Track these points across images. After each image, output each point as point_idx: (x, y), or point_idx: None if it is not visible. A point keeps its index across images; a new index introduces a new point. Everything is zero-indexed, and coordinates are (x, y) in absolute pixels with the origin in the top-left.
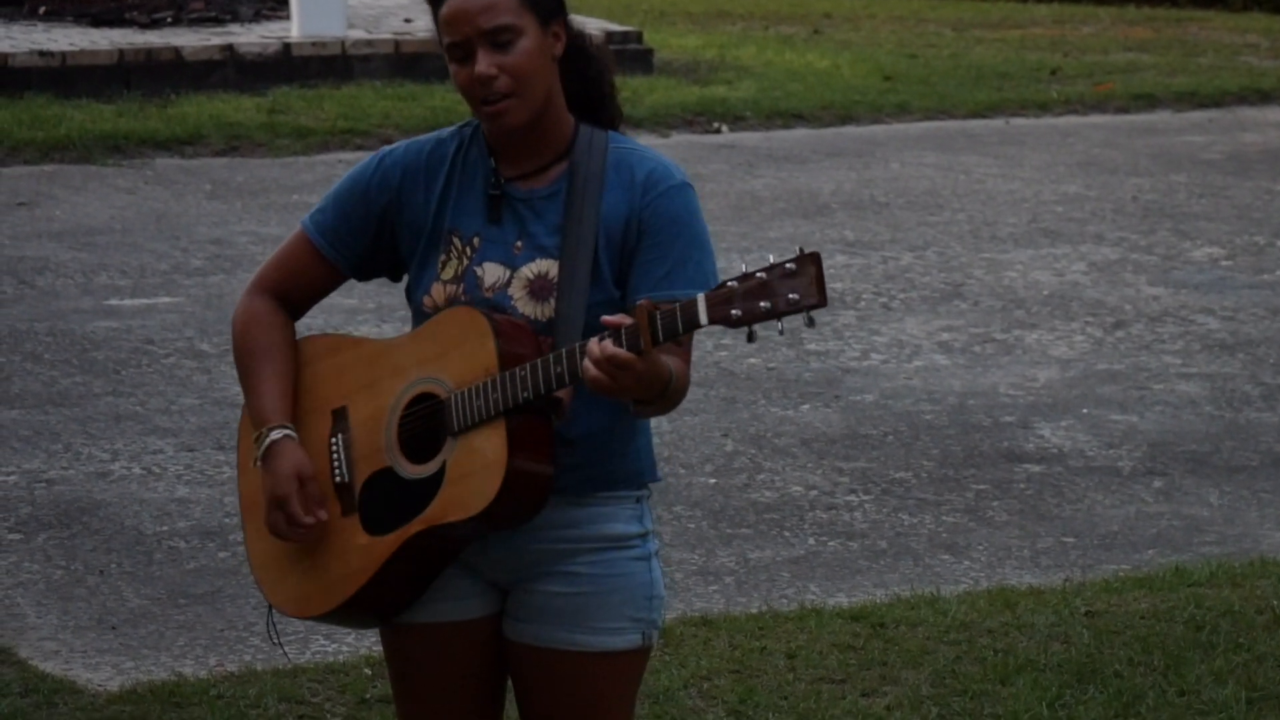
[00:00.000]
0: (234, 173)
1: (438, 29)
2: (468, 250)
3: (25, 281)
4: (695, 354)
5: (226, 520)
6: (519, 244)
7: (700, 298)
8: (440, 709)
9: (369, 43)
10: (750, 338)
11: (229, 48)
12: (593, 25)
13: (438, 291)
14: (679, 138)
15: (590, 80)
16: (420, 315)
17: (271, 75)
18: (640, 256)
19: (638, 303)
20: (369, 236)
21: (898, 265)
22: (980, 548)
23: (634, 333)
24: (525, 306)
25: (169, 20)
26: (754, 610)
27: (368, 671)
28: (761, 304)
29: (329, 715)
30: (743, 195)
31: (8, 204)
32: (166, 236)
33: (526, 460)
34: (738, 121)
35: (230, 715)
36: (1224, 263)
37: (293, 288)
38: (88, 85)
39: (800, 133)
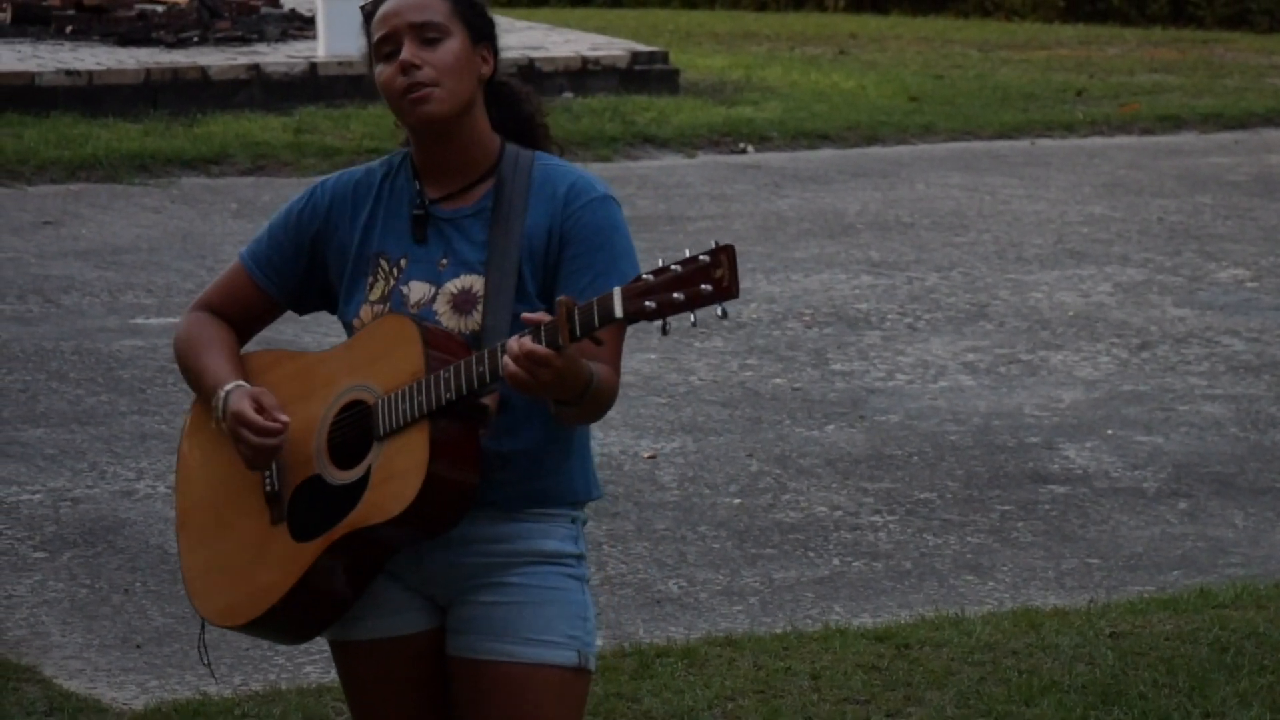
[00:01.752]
0: (260, 192)
1: (369, 38)
2: (394, 271)
3: (51, 300)
4: (721, 375)
5: None
6: (444, 261)
7: (616, 291)
8: None
9: None
10: (664, 330)
11: (255, 67)
12: (618, 46)
13: (365, 313)
14: (704, 158)
15: (524, 118)
16: (350, 335)
17: (298, 95)
18: (563, 268)
19: (557, 299)
20: (301, 265)
21: (923, 286)
22: (1005, 568)
23: (553, 329)
24: (449, 320)
25: (196, 40)
26: (778, 630)
27: None
28: (675, 295)
29: None
30: (768, 216)
31: (34, 223)
32: (192, 255)
33: (448, 464)
34: (763, 142)
35: None
36: (1249, 284)
37: (231, 314)
38: (114, 104)
39: (826, 153)
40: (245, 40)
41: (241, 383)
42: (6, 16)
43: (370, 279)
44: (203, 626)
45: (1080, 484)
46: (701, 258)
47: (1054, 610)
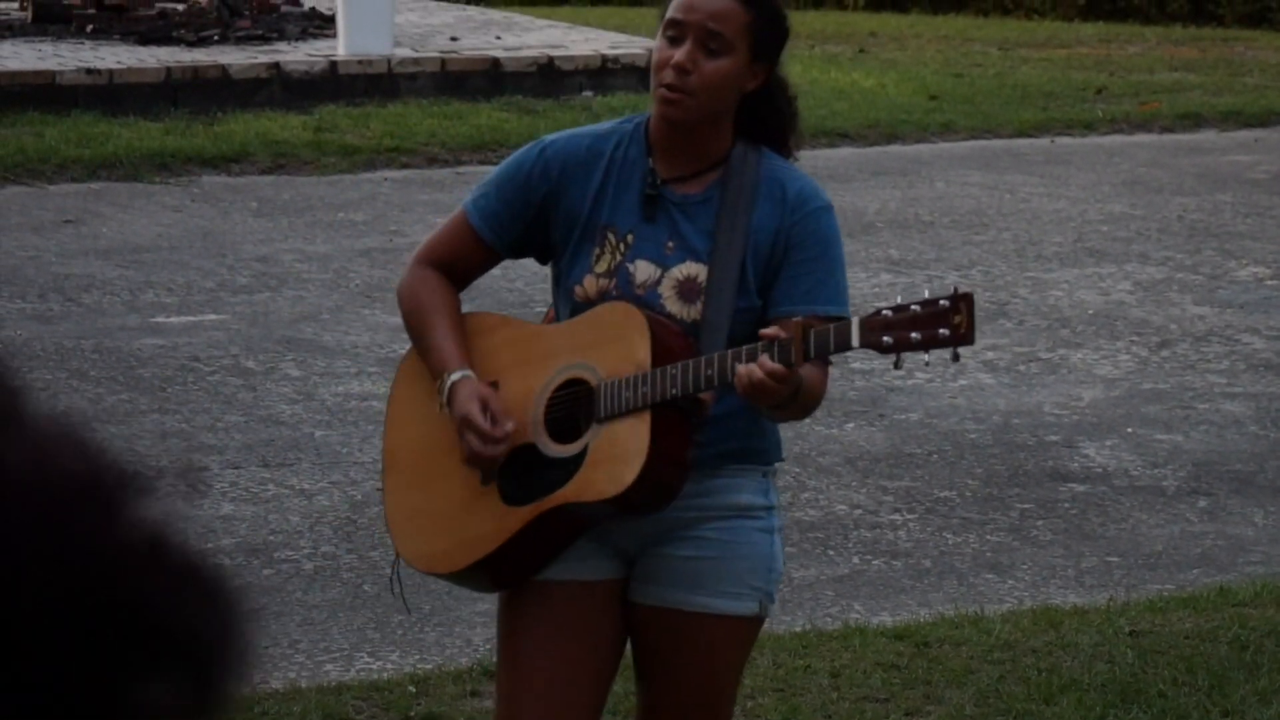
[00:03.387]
0: (280, 191)
1: (666, 3)
2: (621, 246)
3: (72, 299)
4: None
5: (271, 537)
6: (670, 244)
7: (855, 321)
8: (543, 670)
9: (415, 61)
10: (897, 364)
11: (276, 66)
12: (638, 44)
13: (590, 283)
14: None
15: (774, 127)
16: (569, 302)
17: (318, 93)
18: (785, 271)
19: (793, 318)
20: (525, 222)
21: (943, 284)
22: (1024, 567)
23: (787, 347)
24: (673, 306)
25: (216, 38)
26: (798, 629)
27: (412, 689)
28: (913, 335)
29: None
30: None
31: (55, 221)
32: (213, 254)
33: (666, 453)
34: None
35: None
36: (1269, 282)
37: (453, 264)
38: (135, 103)
39: (846, 151)
40: (265, 39)
41: (468, 373)
42: (27, 15)
43: (597, 250)
44: (396, 561)
45: (1100, 482)
46: (942, 302)
47: (1073, 609)
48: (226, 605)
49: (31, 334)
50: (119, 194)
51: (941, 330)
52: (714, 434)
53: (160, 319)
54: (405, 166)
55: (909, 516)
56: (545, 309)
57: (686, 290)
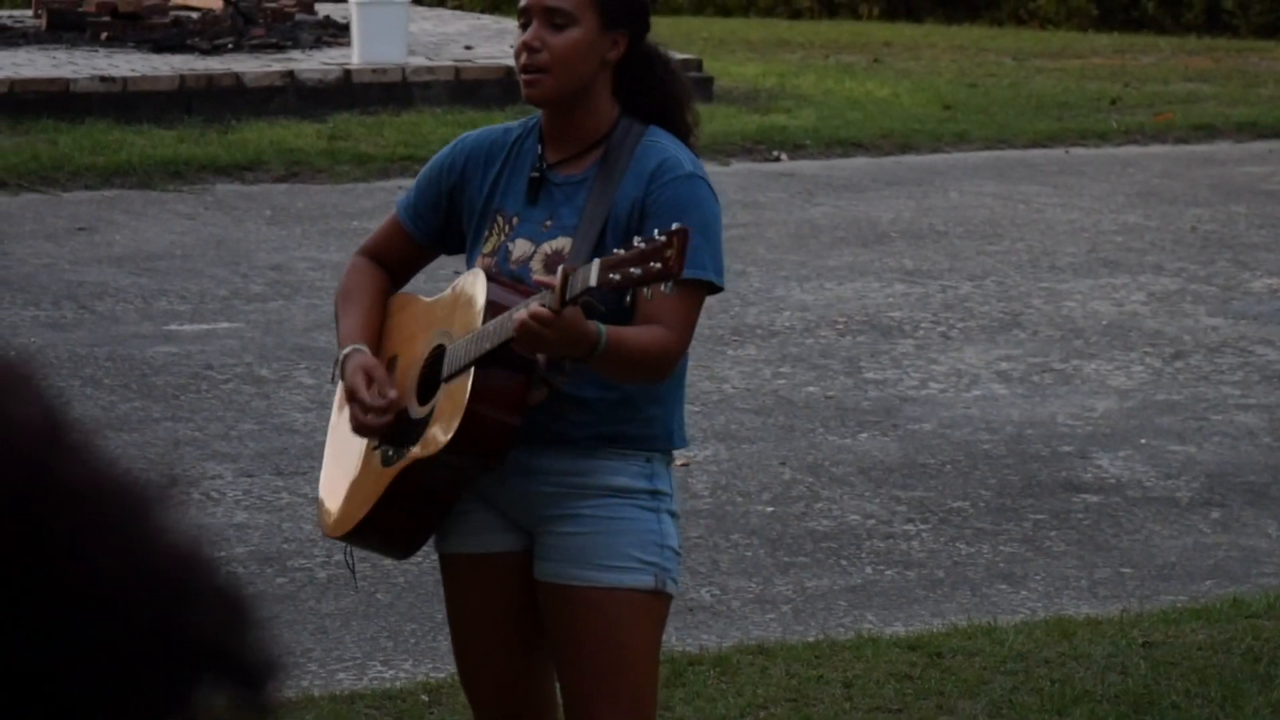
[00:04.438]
0: (294, 199)
1: None
2: (507, 228)
3: (85, 306)
4: (754, 383)
5: (285, 546)
6: (548, 222)
7: (595, 262)
8: (482, 637)
9: (429, 70)
10: (630, 303)
11: (290, 74)
12: None
13: (480, 264)
14: (738, 165)
15: (656, 99)
16: None
17: (332, 102)
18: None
19: (560, 266)
20: (440, 213)
21: (956, 294)
22: (1038, 578)
23: (553, 290)
24: (541, 278)
25: (230, 46)
26: (811, 639)
27: (424, 698)
28: (633, 270)
29: None
30: (802, 224)
31: (69, 229)
32: (226, 262)
33: (487, 406)
34: (797, 150)
35: None
36: None
37: (384, 255)
38: (149, 111)
39: (859, 161)
40: (279, 47)
41: (360, 347)
42: (42, 23)
43: (487, 233)
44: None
45: (1113, 493)
46: (659, 236)
47: (1087, 619)
48: (257, 618)
49: (45, 341)
50: (133, 202)
51: (654, 263)
52: (587, 418)
53: (174, 327)
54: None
55: (922, 527)
56: None
57: (552, 262)
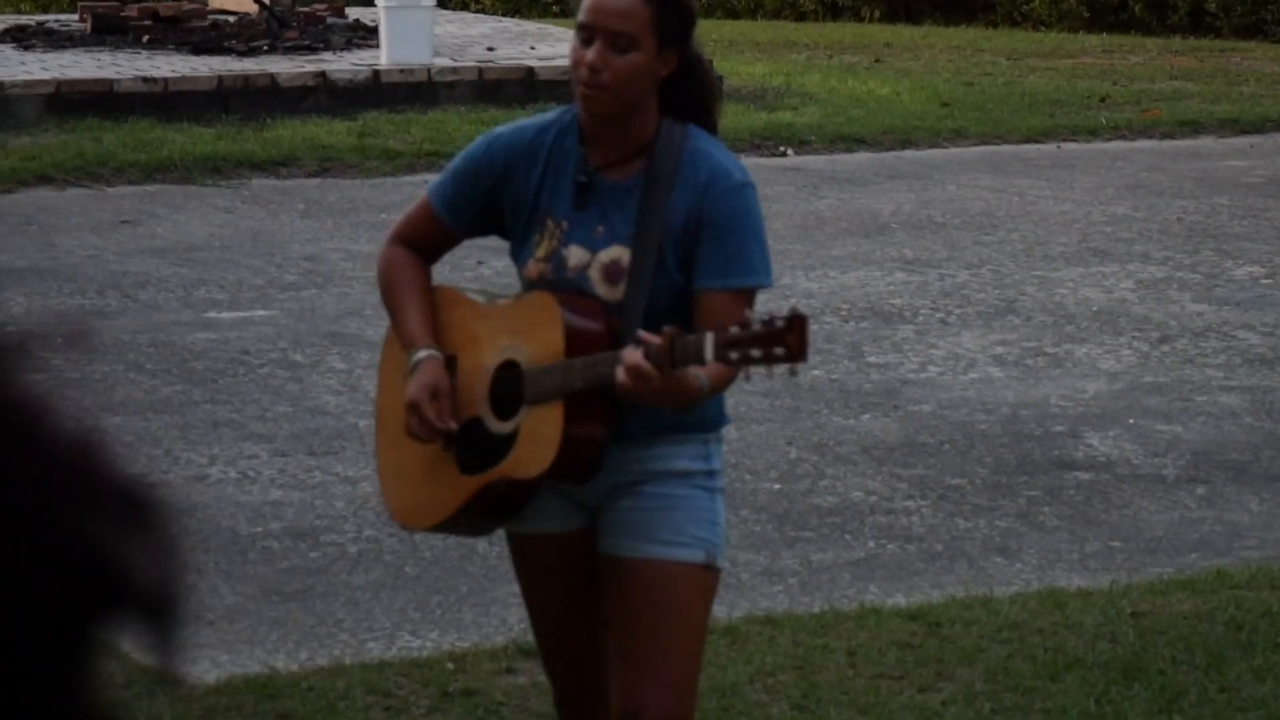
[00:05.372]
0: (326, 193)
1: (577, 3)
2: (558, 232)
3: (129, 295)
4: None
5: (318, 522)
6: (600, 229)
7: (709, 336)
8: (555, 612)
9: (454, 70)
10: (746, 377)
11: (322, 75)
12: None
13: (533, 267)
14: (746, 160)
15: (694, 101)
16: (522, 279)
17: (361, 101)
18: (700, 249)
19: (664, 328)
20: (479, 208)
21: (954, 282)
22: (1031, 551)
23: (660, 353)
24: (600, 288)
25: (265, 49)
26: (816, 609)
27: (450, 666)
28: (754, 352)
29: (413, 707)
30: (807, 216)
31: (113, 222)
32: (262, 253)
33: (580, 436)
34: (803, 145)
35: (320, 707)
36: (1264, 281)
37: (420, 244)
38: (188, 110)
39: (862, 156)
40: (312, 49)
41: (435, 353)
42: (87, 27)
43: (537, 235)
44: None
45: (1103, 471)
46: (778, 323)
47: (1078, 591)
48: (163, 531)
49: (90, 329)
50: (173, 196)
51: (777, 349)
52: (648, 413)
53: (212, 314)
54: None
55: (922, 503)
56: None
57: (611, 273)
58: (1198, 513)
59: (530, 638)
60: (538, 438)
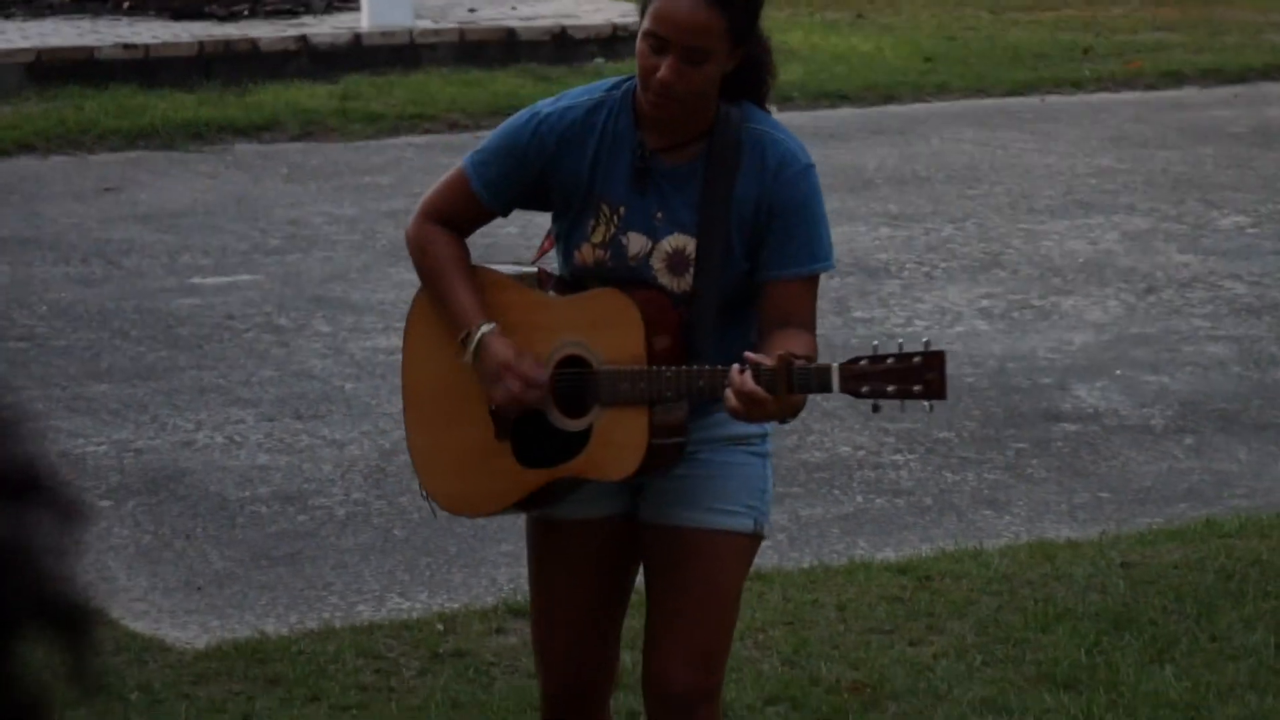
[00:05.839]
0: (309, 157)
1: (644, 3)
2: (615, 218)
3: (113, 262)
4: None
5: (305, 485)
6: (659, 215)
7: (835, 368)
8: (569, 599)
9: (435, 32)
10: (875, 409)
11: (303, 38)
12: None
13: (587, 252)
14: None
15: (753, 81)
16: (569, 263)
17: (343, 64)
18: (770, 237)
19: (778, 353)
20: (523, 189)
21: (939, 236)
22: (1020, 503)
23: (773, 377)
24: (664, 278)
25: (246, 13)
26: (806, 565)
27: (440, 627)
28: (888, 387)
29: (403, 669)
30: None
31: (96, 189)
32: (246, 218)
33: (664, 440)
34: (786, 102)
35: (310, 670)
36: (1250, 230)
37: (455, 221)
38: (170, 76)
39: (845, 112)
40: (293, 13)
41: (494, 325)
42: None
43: (593, 221)
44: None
45: (1091, 422)
46: (916, 360)
47: (1067, 542)
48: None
49: (75, 297)
50: (156, 162)
51: (915, 386)
52: None
53: (197, 280)
54: (427, 132)
55: (910, 457)
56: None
57: (676, 262)
58: (1186, 463)
59: (520, 597)
60: (619, 442)
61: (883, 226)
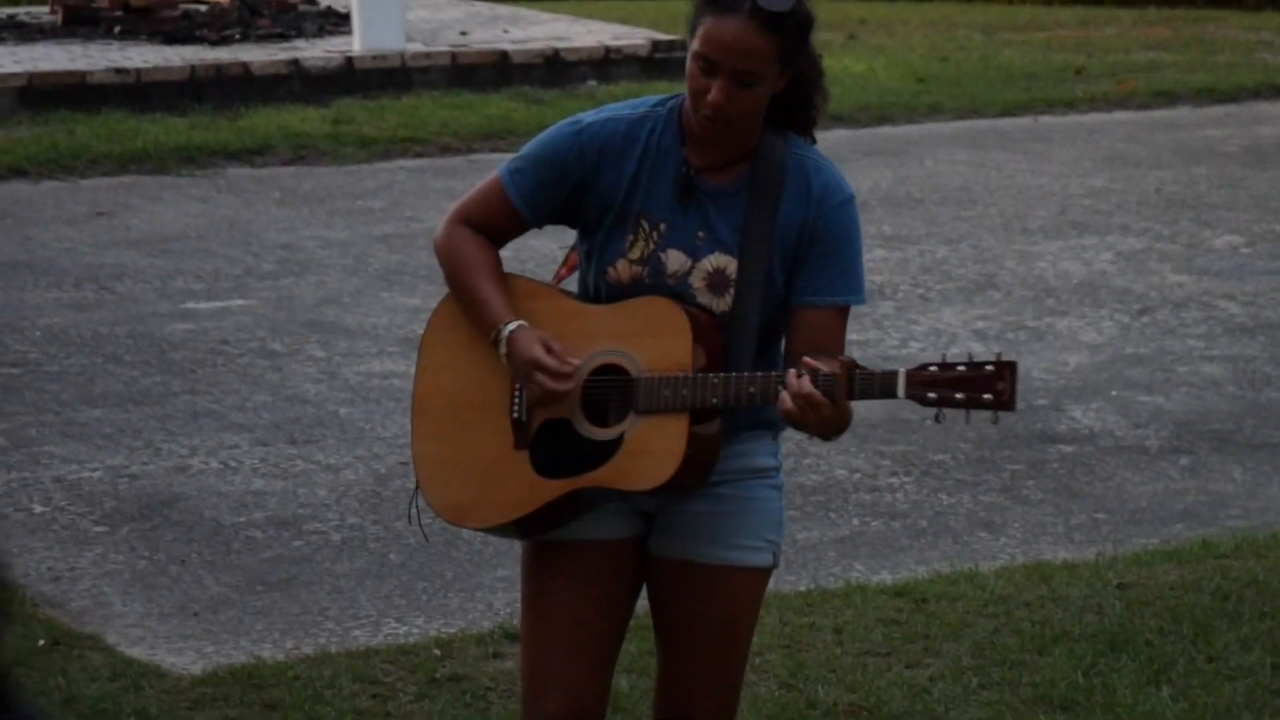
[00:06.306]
0: (301, 181)
1: (694, 24)
2: (654, 235)
3: (105, 287)
4: None
5: (300, 510)
6: (701, 234)
7: (901, 373)
8: (568, 623)
9: (427, 55)
10: (937, 418)
11: (294, 62)
12: (639, 35)
13: (623, 268)
14: None
15: (801, 102)
16: (601, 279)
17: (335, 87)
18: (809, 263)
19: (840, 357)
20: (561, 199)
21: (934, 258)
22: (1016, 525)
23: (832, 382)
24: (704, 297)
25: (237, 37)
26: (802, 588)
27: (437, 652)
28: (956, 395)
29: (400, 694)
30: None
31: (88, 214)
32: (238, 242)
33: (701, 449)
34: None
35: (307, 695)
36: (1243, 250)
37: (488, 228)
38: (162, 100)
39: (839, 133)
40: (284, 37)
41: (524, 322)
42: (58, 19)
43: (631, 236)
44: (415, 496)
45: (1086, 443)
46: (988, 368)
47: (1063, 563)
48: None
49: (68, 322)
50: (148, 187)
51: (985, 395)
52: (737, 413)
53: (190, 305)
54: (419, 156)
55: (905, 479)
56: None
57: (716, 282)
58: (1181, 483)
59: (518, 622)
60: (653, 450)
61: (877, 248)
